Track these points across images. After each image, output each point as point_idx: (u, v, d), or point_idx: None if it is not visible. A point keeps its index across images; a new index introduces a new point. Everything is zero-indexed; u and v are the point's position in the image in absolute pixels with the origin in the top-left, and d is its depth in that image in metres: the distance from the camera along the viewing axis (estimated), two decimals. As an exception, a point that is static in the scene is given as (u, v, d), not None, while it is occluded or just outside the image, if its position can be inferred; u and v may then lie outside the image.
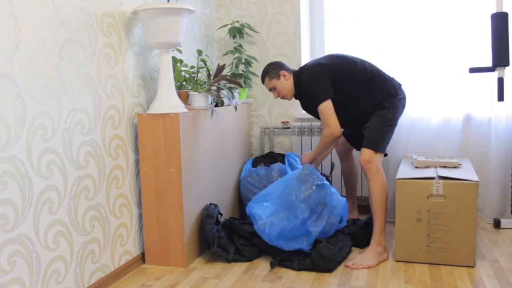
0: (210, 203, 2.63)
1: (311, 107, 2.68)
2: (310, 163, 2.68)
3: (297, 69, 2.73)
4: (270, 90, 2.75)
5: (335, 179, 3.30)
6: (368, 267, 2.34)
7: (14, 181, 1.71)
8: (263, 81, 2.75)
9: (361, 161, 2.46)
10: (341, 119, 2.53)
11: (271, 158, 3.22)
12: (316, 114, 2.72)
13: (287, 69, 2.70)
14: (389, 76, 2.63)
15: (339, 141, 2.96)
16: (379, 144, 2.47)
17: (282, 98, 2.74)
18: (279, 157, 3.19)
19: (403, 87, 2.69)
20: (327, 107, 2.50)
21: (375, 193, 2.44)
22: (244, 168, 3.14)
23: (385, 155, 2.64)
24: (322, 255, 2.31)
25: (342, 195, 3.31)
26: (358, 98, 2.55)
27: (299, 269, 2.34)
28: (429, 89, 3.09)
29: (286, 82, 2.67)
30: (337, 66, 2.54)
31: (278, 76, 2.67)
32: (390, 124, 2.52)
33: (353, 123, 2.64)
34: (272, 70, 2.69)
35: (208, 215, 2.52)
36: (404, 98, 2.63)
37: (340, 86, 2.53)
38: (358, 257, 2.41)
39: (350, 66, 2.55)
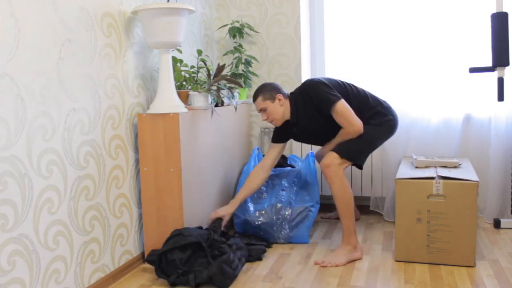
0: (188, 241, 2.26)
1: (313, 128, 2.61)
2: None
3: (289, 93, 2.66)
4: (260, 111, 2.61)
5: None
6: (337, 266, 2.38)
7: (14, 181, 1.71)
8: (254, 99, 2.61)
9: (321, 165, 2.46)
10: (326, 137, 2.61)
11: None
12: (315, 139, 2.70)
13: (284, 94, 2.60)
14: (380, 100, 2.64)
15: (320, 152, 2.89)
16: (346, 151, 2.45)
17: (271, 122, 2.61)
18: (281, 158, 3.17)
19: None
20: (344, 105, 2.45)
21: (336, 197, 2.45)
22: (251, 156, 3.06)
23: (361, 168, 2.56)
24: (223, 271, 2.12)
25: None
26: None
27: (196, 285, 2.12)
28: (429, 89, 3.10)
29: (280, 107, 2.57)
30: (333, 85, 2.54)
31: (273, 99, 2.56)
32: (367, 138, 2.50)
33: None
34: (268, 91, 2.57)
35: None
36: (393, 120, 2.59)
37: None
38: (329, 255, 2.46)
39: (344, 88, 2.57)
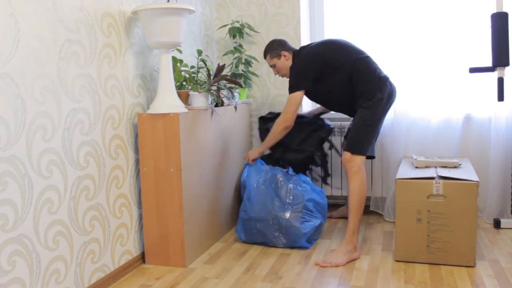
0: None
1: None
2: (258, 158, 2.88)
3: (298, 48, 2.81)
4: (271, 66, 2.85)
5: (335, 180, 3.30)
6: (337, 266, 2.38)
7: (14, 181, 1.71)
8: (265, 57, 2.86)
9: (343, 160, 2.56)
10: (326, 102, 2.75)
11: (271, 159, 3.19)
12: (313, 97, 2.79)
13: (289, 49, 2.78)
14: (379, 71, 2.62)
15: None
16: (357, 146, 2.53)
17: (282, 76, 2.85)
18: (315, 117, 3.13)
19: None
20: (296, 98, 2.61)
21: (353, 192, 2.49)
22: (244, 171, 3.04)
23: (372, 157, 2.75)
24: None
25: (343, 195, 3.32)
26: (338, 85, 2.62)
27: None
28: (429, 89, 3.09)
29: (286, 62, 2.77)
30: (330, 55, 2.60)
31: (279, 56, 2.78)
32: (368, 124, 2.54)
33: (339, 108, 2.76)
34: (274, 49, 2.78)
35: None
36: (386, 97, 2.58)
37: (327, 73, 2.61)
38: (329, 255, 2.46)
39: (343, 55, 2.60)
